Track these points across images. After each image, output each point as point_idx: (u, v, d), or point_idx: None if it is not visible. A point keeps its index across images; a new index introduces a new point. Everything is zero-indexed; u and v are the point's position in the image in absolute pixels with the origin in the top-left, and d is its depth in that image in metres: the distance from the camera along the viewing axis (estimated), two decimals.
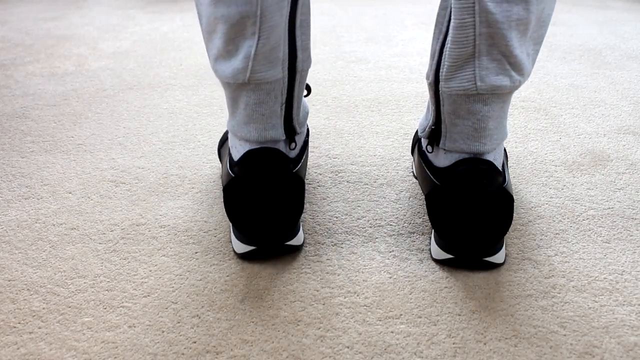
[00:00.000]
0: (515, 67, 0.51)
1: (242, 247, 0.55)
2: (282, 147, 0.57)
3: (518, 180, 0.71)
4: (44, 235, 0.62)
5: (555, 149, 0.78)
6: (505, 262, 0.56)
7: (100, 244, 0.61)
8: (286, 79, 0.54)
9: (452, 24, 0.51)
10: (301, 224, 0.60)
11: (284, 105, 0.55)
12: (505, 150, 0.67)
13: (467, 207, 0.52)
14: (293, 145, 0.58)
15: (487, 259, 0.54)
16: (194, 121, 0.89)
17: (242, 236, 0.55)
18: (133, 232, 0.62)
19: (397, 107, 0.93)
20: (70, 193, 0.70)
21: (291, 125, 0.57)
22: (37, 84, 1.06)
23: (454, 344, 0.47)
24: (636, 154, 0.76)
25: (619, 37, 1.28)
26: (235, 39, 0.51)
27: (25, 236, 0.62)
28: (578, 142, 0.80)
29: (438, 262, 0.56)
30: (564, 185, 0.69)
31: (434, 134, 0.57)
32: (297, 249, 0.57)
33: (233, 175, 0.55)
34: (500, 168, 0.56)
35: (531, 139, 0.81)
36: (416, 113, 0.90)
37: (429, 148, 0.59)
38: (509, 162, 0.75)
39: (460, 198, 0.53)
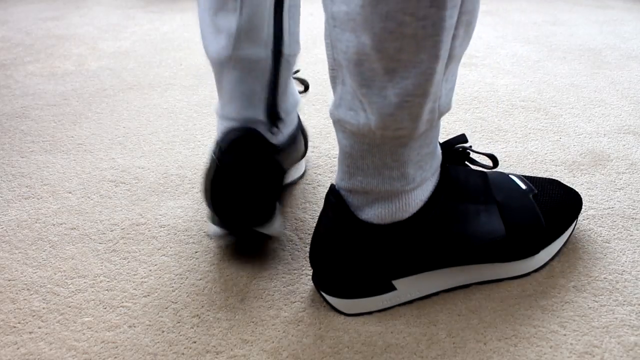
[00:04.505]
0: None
1: (212, 229, 0.55)
2: (261, 129, 0.56)
3: None
4: (44, 235, 0.62)
5: (555, 149, 0.78)
6: None
7: (100, 244, 0.61)
8: (270, 61, 0.54)
9: None
10: (283, 217, 0.59)
11: (266, 88, 0.55)
12: None
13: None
14: (275, 130, 0.57)
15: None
16: (194, 121, 0.89)
17: (212, 217, 0.55)
18: (133, 232, 0.62)
19: None
20: (70, 193, 0.70)
21: (274, 110, 0.56)
22: (37, 84, 1.06)
23: (454, 344, 0.47)
24: (636, 154, 0.76)
25: (619, 37, 1.28)
26: (219, 14, 0.52)
27: (25, 236, 0.62)
28: (578, 142, 0.80)
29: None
30: None
31: None
32: (270, 238, 0.56)
33: (212, 155, 0.54)
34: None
35: (531, 139, 0.81)
36: None
37: None
38: (511, 162, 0.75)
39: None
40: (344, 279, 0.49)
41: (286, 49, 0.55)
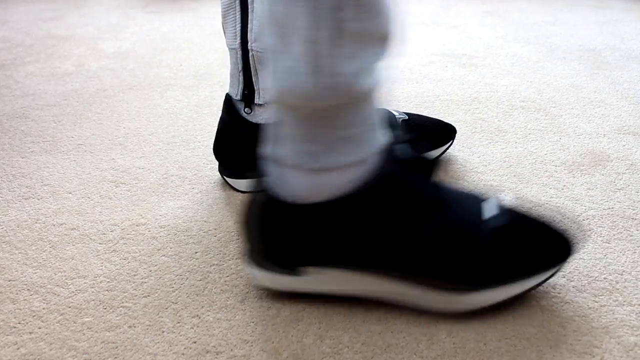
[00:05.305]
0: None
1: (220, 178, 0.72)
2: (237, 103, 0.67)
3: (519, 180, 0.71)
4: (44, 235, 0.62)
5: (555, 149, 0.78)
6: None
7: (100, 244, 0.61)
8: (239, 51, 0.64)
9: None
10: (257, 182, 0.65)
11: (241, 73, 0.65)
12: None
13: None
14: (248, 110, 0.66)
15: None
16: (194, 121, 0.89)
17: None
18: (133, 232, 0.62)
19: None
20: (70, 193, 0.70)
21: (251, 93, 0.66)
22: (37, 84, 1.06)
23: (454, 344, 0.47)
24: (636, 154, 0.76)
25: (619, 37, 1.28)
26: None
27: (25, 236, 0.62)
28: (578, 142, 0.80)
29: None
30: (564, 185, 0.69)
31: None
32: (237, 190, 0.69)
33: None
34: None
35: (531, 139, 0.81)
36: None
37: None
38: (510, 163, 0.75)
39: None
40: (264, 253, 0.49)
41: (254, 44, 0.63)
